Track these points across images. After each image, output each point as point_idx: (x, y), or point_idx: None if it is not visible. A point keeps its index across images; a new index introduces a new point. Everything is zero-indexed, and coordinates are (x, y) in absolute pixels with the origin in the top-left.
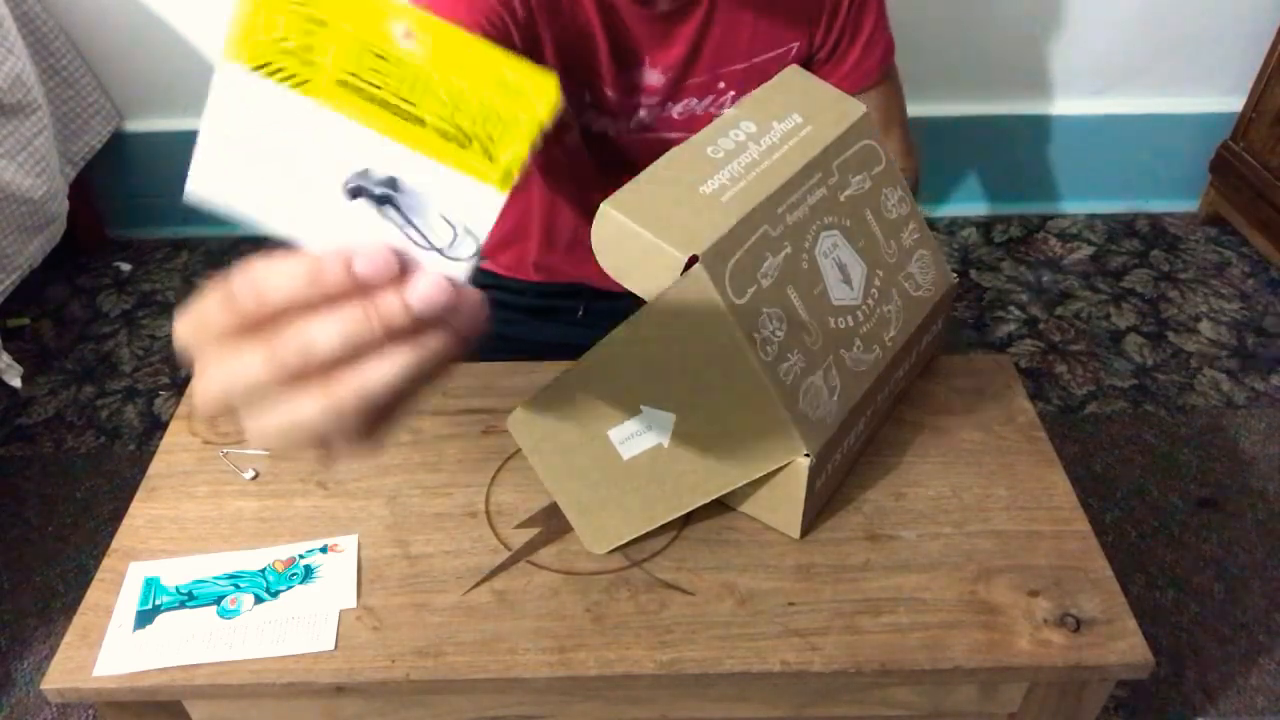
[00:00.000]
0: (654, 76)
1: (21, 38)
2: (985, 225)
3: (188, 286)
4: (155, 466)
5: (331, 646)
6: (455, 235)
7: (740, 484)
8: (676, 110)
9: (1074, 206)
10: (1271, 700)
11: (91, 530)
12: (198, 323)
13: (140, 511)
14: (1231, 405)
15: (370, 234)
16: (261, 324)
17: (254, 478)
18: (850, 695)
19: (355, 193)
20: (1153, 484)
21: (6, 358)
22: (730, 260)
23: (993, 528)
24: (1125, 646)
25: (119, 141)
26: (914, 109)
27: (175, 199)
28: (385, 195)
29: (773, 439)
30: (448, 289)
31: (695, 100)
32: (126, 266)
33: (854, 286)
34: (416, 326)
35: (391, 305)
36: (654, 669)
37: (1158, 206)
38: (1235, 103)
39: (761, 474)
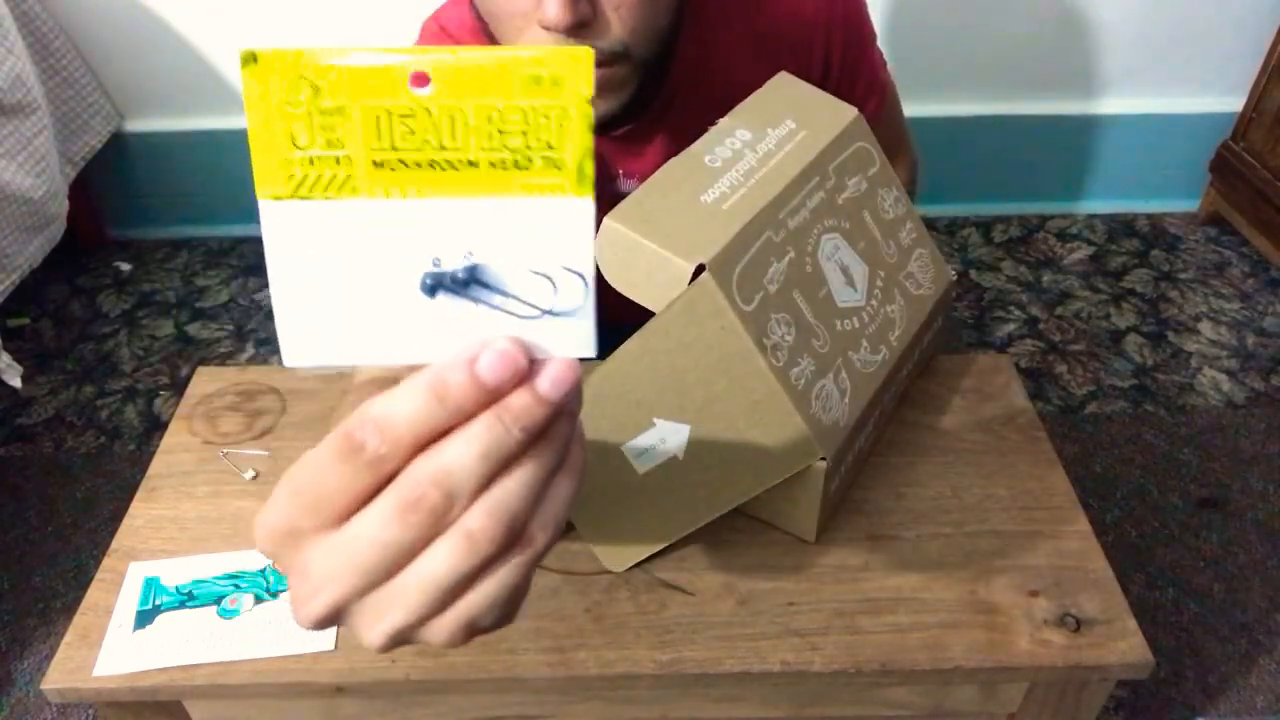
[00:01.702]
0: (630, 186)
1: (21, 38)
2: (985, 225)
3: (188, 286)
4: (155, 466)
5: (331, 646)
6: (555, 285)
7: (757, 492)
8: None
9: (1074, 206)
10: (1271, 700)
11: (91, 530)
12: (301, 501)
13: (140, 511)
14: (1231, 405)
15: (470, 327)
16: (387, 475)
17: (254, 478)
18: (850, 695)
19: (433, 290)
20: (1153, 484)
21: (6, 358)
22: (736, 268)
23: (993, 528)
24: (1125, 646)
25: (119, 141)
26: (914, 109)
27: (175, 199)
28: (465, 277)
29: (788, 445)
30: (576, 365)
31: None
32: (126, 266)
33: (857, 288)
34: (553, 422)
35: (523, 403)
36: (654, 669)
37: (1158, 206)
38: (1235, 103)
39: (778, 480)
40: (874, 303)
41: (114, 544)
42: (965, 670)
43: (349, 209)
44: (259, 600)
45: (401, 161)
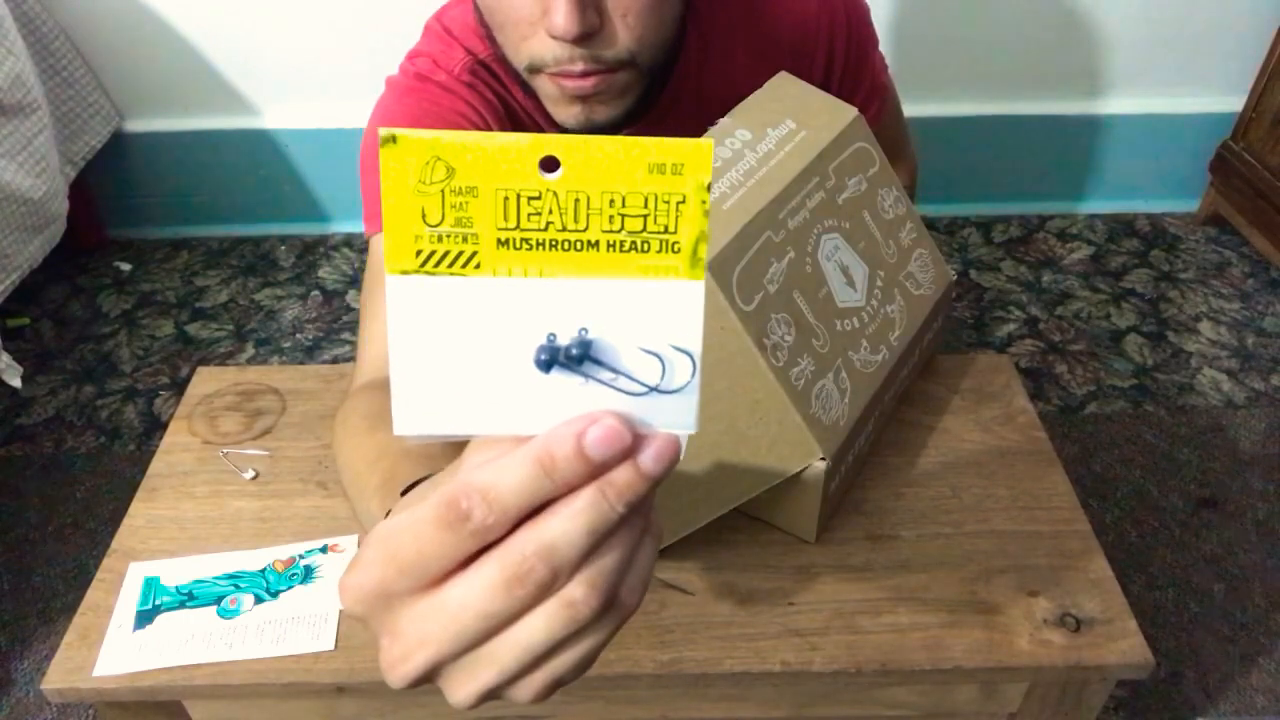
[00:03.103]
0: None
1: (21, 38)
2: (985, 225)
3: (188, 286)
4: (155, 466)
5: (331, 646)
6: (664, 364)
7: (757, 492)
8: None
9: (1074, 206)
10: (1271, 700)
11: (91, 530)
12: (398, 565)
13: (140, 511)
14: (1231, 405)
15: (579, 402)
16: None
17: (254, 478)
18: (850, 695)
19: (547, 365)
20: (1153, 484)
21: (6, 358)
22: (736, 267)
23: (993, 528)
24: (1125, 646)
25: (119, 141)
26: (915, 109)
27: (175, 199)
28: (579, 354)
29: (788, 445)
30: (678, 442)
31: None
32: (126, 266)
33: (857, 288)
34: (650, 494)
35: (627, 479)
36: (654, 669)
37: (1158, 206)
38: (1235, 103)
39: (778, 481)
40: (874, 303)
41: (114, 544)
42: (965, 670)
43: (473, 286)
44: (259, 600)
45: (525, 241)
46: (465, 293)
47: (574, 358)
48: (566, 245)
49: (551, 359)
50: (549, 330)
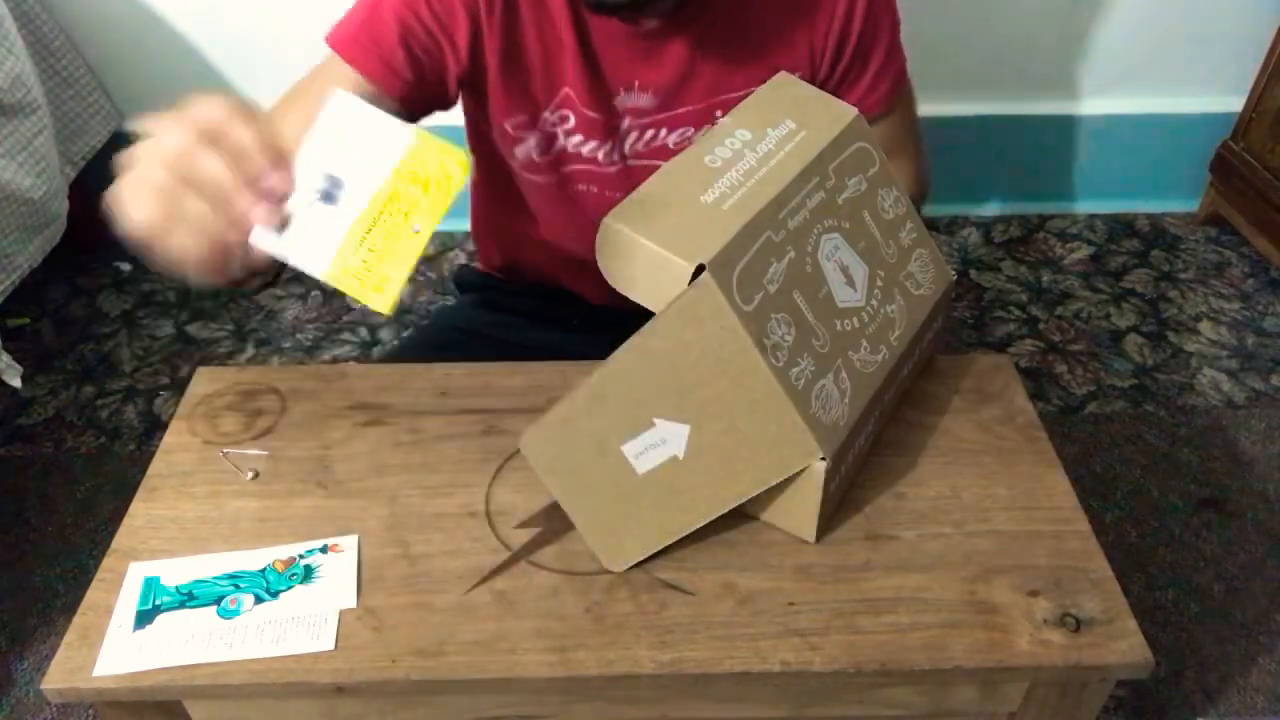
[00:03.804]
0: (644, 99)
1: (21, 38)
2: (985, 225)
3: (187, 286)
4: (155, 466)
5: (331, 646)
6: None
7: (757, 492)
8: (673, 140)
9: (1074, 206)
10: (1271, 700)
11: (91, 530)
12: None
13: (140, 511)
14: (1231, 405)
15: (300, 194)
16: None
17: (254, 478)
18: (850, 695)
19: (319, 184)
20: (1153, 484)
21: (6, 358)
22: (736, 267)
23: (993, 528)
24: (1125, 646)
25: (119, 141)
26: (918, 108)
27: None
28: (328, 191)
29: (788, 445)
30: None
31: (693, 130)
32: (126, 266)
33: (857, 288)
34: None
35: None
36: (654, 669)
37: (1158, 206)
38: (1235, 103)
39: (778, 480)
40: (874, 303)
41: (114, 544)
42: (965, 670)
43: (380, 118)
44: (259, 600)
45: (392, 201)
46: (377, 118)
47: (322, 190)
48: (390, 210)
49: (320, 182)
50: (345, 169)
